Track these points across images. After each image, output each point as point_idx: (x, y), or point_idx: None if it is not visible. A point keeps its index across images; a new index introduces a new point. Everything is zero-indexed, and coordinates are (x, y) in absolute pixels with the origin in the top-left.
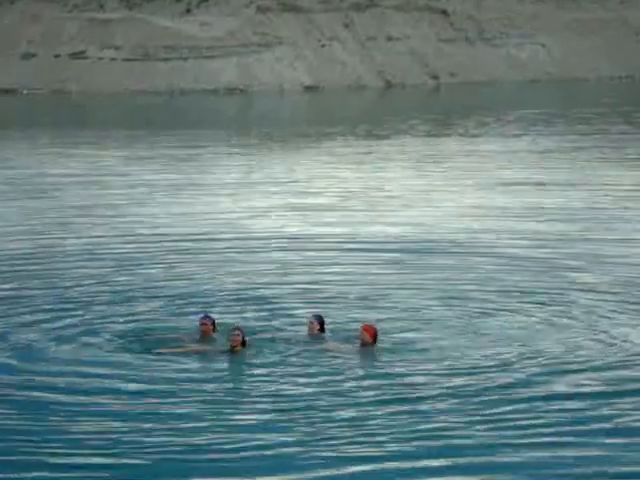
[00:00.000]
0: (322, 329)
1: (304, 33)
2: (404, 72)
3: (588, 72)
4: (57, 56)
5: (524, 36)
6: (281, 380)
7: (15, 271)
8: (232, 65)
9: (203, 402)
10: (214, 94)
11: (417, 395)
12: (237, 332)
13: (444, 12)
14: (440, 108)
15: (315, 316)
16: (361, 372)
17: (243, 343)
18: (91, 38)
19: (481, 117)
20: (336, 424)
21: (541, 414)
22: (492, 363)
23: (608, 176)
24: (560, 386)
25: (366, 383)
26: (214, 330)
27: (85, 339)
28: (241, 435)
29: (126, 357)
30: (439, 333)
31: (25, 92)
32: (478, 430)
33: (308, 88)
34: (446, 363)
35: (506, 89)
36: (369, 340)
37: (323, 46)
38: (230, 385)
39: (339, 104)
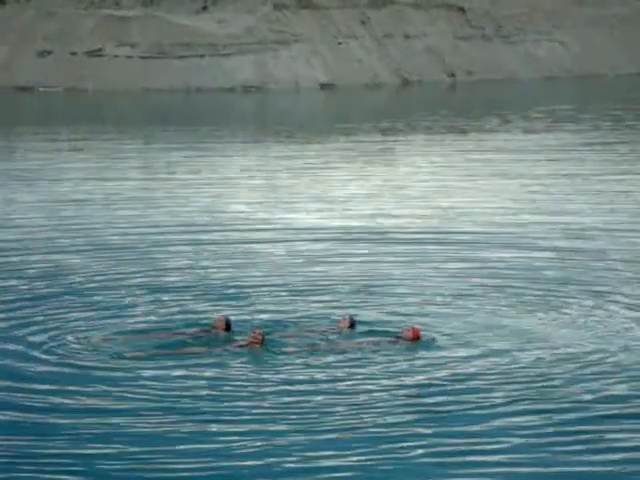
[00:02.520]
0: (352, 327)
1: (320, 30)
2: (421, 70)
3: (606, 69)
4: (73, 53)
5: (541, 33)
6: (302, 384)
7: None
8: (249, 63)
9: (235, 413)
10: (231, 92)
11: (451, 402)
12: (258, 331)
13: (461, 9)
14: (462, 105)
15: (349, 315)
16: (390, 374)
17: (262, 341)
18: (107, 35)
19: (505, 114)
20: (363, 434)
21: (581, 427)
22: (534, 366)
23: None
24: (611, 392)
25: (394, 388)
26: (227, 330)
27: (88, 339)
28: (270, 443)
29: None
30: (481, 331)
31: (41, 89)
32: (514, 444)
33: (324, 86)
34: (486, 365)
35: (525, 86)
36: (409, 337)
37: (339, 43)
38: (253, 388)
39: (357, 102)
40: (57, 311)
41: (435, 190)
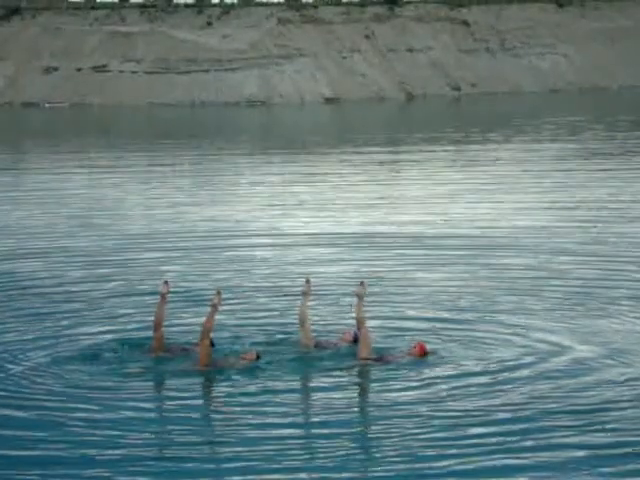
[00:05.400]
0: (356, 342)
1: (325, 45)
2: (425, 83)
3: (609, 81)
4: (79, 69)
5: (545, 46)
6: (299, 415)
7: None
8: (253, 77)
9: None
10: (235, 106)
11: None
12: (250, 353)
13: (465, 23)
14: (469, 118)
15: (353, 329)
16: (405, 398)
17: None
18: (112, 51)
19: (516, 125)
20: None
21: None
22: (589, 392)
23: None
24: None
25: (411, 416)
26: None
27: (90, 351)
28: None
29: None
30: (506, 347)
31: (47, 105)
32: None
33: (329, 100)
34: (521, 388)
35: (529, 99)
36: (416, 354)
37: (344, 58)
38: (244, 415)
39: (364, 115)
40: (31, 319)
41: (455, 196)
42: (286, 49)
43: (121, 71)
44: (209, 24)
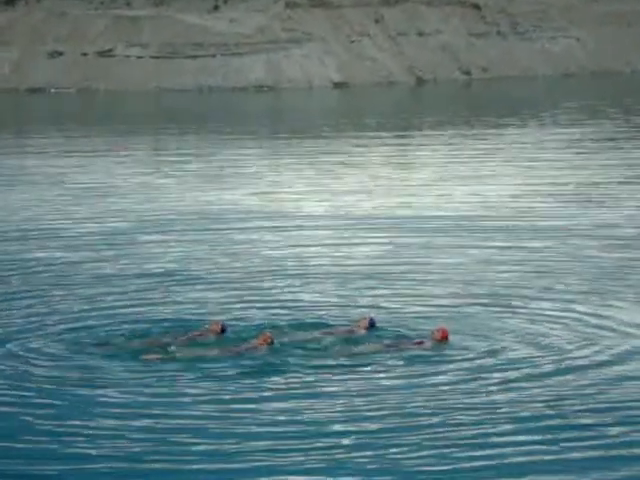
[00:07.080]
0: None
1: (333, 29)
2: (435, 68)
3: (622, 65)
4: (84, 54)
5: (557, 29)
6: (320, 408)
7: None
8: (261, 62)
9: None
10: (243, 91)
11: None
12: (268, 334)
13: (476, 6)
14: (483, 102)
15: (369, 315)
16: (425, 387)
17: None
18: (118, 36)
19: (532, 109)
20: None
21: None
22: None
23: None
24: None
25: (430, 407)
26: (222, 333)
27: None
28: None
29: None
30: (528, 335)
31: (53, 91)
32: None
33: (337, 85)
34: (551, 380)
35: (542, 83)
36: (438, 338)
37: (353, 42)
38: (261, 411)
39: (375, 100)
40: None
41: (473, 179)
42: (294, 33)
43: (127, 56)
44: (216, 8)
